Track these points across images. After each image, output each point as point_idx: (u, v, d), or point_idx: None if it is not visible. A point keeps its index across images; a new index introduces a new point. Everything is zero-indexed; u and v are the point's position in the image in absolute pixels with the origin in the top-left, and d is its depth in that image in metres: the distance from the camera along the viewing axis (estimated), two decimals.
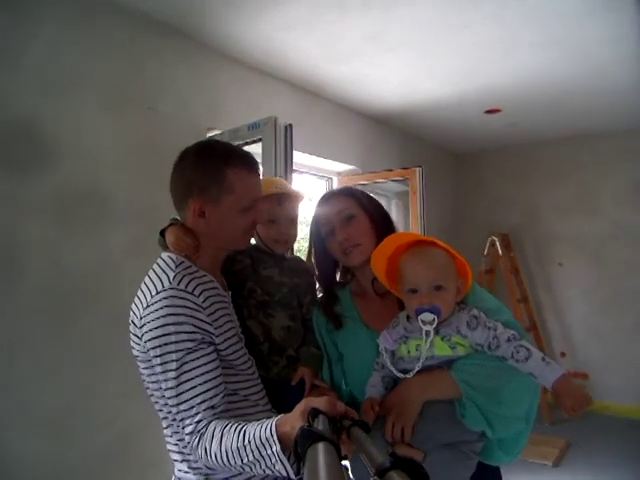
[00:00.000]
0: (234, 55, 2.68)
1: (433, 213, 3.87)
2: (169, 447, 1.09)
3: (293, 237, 1.34)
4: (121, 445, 2.06)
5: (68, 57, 1.98)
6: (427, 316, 1.02)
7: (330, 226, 1.25)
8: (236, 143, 2.19)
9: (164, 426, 1.09)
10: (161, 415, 1.08)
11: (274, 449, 0.83)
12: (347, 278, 1.36)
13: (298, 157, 3.22)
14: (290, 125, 2.26)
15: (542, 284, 4.92)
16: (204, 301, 1.02)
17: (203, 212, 1.09)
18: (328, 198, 1.31)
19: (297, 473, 0.81)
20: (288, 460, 0.83)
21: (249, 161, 1.13)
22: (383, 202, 1.40)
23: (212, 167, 1.09)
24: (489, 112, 3.86)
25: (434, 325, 1.02)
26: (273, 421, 0.86)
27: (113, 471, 2.03)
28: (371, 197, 1.34)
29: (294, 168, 3.31)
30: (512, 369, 1.02)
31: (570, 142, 4.66)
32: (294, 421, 0.81)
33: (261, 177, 1.18)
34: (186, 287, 1.00)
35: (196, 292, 1.01)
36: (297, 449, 0.64)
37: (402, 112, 3.83)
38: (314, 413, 0.77)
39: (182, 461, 1.06)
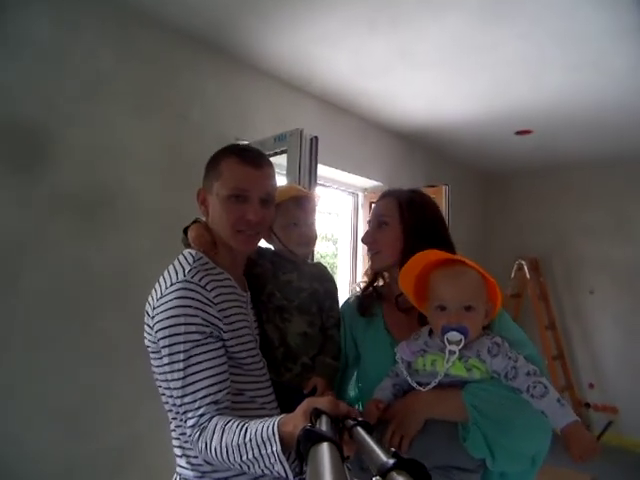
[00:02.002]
0: (264, 68, 2.75)
1: (459, 233, 3.78)
2: (173, 442, 1.10)
3: (314, 239, 1.34)
4: (134, 445, 2.08)
5: (105, 63, 2.08)
6: (454, 336, 1.01)
7: (369, 226, 1.31)
8: (265, 152, 2.23)
9: (170, 420, 1.10)
10: (166, 407, 1.09)
11: (274, 448, 0.82)
12: (377, 277, 1.36)
13: (324, 171, 3.25)
14: (315, 137, 2.29)
15: (571, 311, 4.76)
16: (216, 297, 1.03)
17: (204, 199, 1.16)
18: (381, 197, 1.33)
19: (299, 473, 0.80)
20: (288, 461, 0.82)
21: (246, 154, 1.13)
22: None
23: (214, 158, 1.16)
24: (520, 133, 3.81)
25: (460, 346, 1.00)
26: (275, 420, 0.85)
27: (125, 469, 2.05)
28: (421, 207, 1.26)
29: (319, 182, 3.35)
30: (525, 403, 0.99)
31: (603, 166, 4.54)
32: (296, 421, 0.81)
33: (262, 174, 1.14)
34: (199, 281, 1.02)
35: (208, 287, 1.03)
36: (299, 449, 0.64)
37: (430, 129, 3.82)
38: (316, 413, 0.77)
39: (182, 456, 1.06)
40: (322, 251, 4.37)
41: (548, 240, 4.87)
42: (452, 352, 1.01)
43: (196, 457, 1.02)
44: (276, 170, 1.25)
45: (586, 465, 3.71)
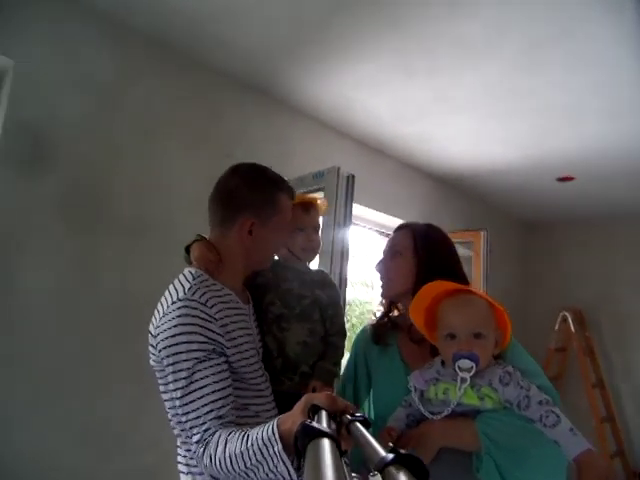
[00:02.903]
0: (305, 110, 2.90)
1: (498, 281, 3.74)
2: (178, 459, 1.10)
3: (318, 244, 1.36)
4: (162, 467, 2.08)
5: (160, 105, 2.27)
6: (465, 363, 1.01)
7: (383, 256, 1.34)
8: (300, 190, 2.32)
9: (176, 435, 1.11)
10: (172, 425, 1.10)
11: (276, 449, 0.83)
12: (392, 308, 1.37)
13: (360, 211, 3.31)
14: (352, 175, 2.36)
15: (621, 369, 4.47)
16: (217, 312, 1.04)
17: (251, 230, 1.15)
18: (397, 228, 1.40)
19: (297, 469, 0.81)
20: (291, 462, 0.82)
21: (291, 189, 1.25)
22: None
23: (268, 189, 1.18)
24: (562, 180, 3.77)
25: (472, 373, 1.00)
26: (274, 421, 0.86)
27: None
28: (435, 239, 1.31)
29: (355, 222, 3.41)
30: (539, 433, 0.97)
31: None
32: (295, 417, 0.81)
33: None
34: (200, 298, 1.03)
35: (209, 304, 1.04)
36: (297, 445, 0.64)
37: (469, 175, 3.85)
38: (314, 409, 0.77)
39: (187, 473, 1.07)
40: (360, 297, 4.28)
41: (594, 292, 4.66)
42: (464, 380, 1.00)
43: (201, 474, 1.02)
44: None
45: None
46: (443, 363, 1.10)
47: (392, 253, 1.30)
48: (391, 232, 4.03)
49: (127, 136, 2.16)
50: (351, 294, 3.88)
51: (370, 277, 4.17)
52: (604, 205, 4.35)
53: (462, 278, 1.25)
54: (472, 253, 3.61)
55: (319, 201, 1.39)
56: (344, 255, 2.26)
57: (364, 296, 4.29)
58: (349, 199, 2.38)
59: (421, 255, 1.26)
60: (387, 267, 1.29)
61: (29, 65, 1.87)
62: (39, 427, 1.81)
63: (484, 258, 3.55)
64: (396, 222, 3.68)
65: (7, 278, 1.80)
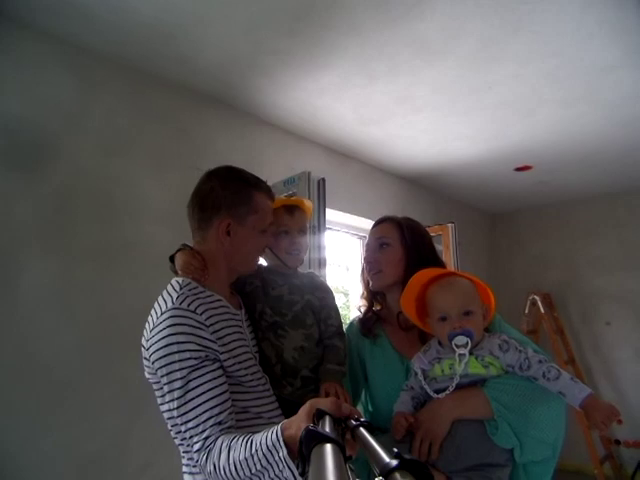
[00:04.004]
0: (270, 120, 2.91)
1: (469, 271, 3.84)
2: (183, 469, 1.09)
3: (305, 248, 1.34)
4: None
5: (122, 121, 2.23)
6: (460, 339, 1.06)
7: (369, 248, 1.35)
8: None
9: (177, 445, 1.09)
10: (172, 435, 1.09)
11: (281, 454, 0.82)
12: (377, 300, 1.40)
13: (332, 215, 3.34)
14: (323, 179, 2.39)
15: (590, 345, 4.68)
16: (207, 319, 1.04)
17: (229, 231, 1.15)
18: (378, 222, 1.40)
19: (302, 474, 0.81)
20: (296, 466, 0.82)
21: (269, 189, 1.24)
22: None
23: (242, 188, 1.18)
24: (519, 169, 3.92)
25: (468, 348, 1.06)
26: (278, 426, 0.86)
27: None
28: (417, 230, 1.37)
29: (329, 226, 3.44)
30: (543, 391, 1.03)
31: (606, 198, 4.62)
32: (299, 422, 0.81)
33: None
34: (188, 306, 1.03)
35: (199, 311, 1.03)
36: (302, 450, 0.64)
37: (433, 172, 3.94)
38: (319, 414, 0.77)
39: None
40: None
41: (559, 275, 4.87)
42: (462, 355, 1.06)
43: None
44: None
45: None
46: (440, 343, 1.14)
47: (379, 245, 1.32)
48: (362, 233, 4.03)
49: (91, 157, 2.10)
50: None
51: (345, 284, 4.22)
52: (560, 191, 4.55)
53: (442, 264, 1.33)
54: (442, 247, 3.71)
55: (306, 203, 1.37)
56: (322, 262, 2.27)
57: (339, 303, 4.31)
58: (322, 203, 2.40)
59: (409, 245, 1.30)
60: (377, 259, 1.30)
61: None
62: (29, 459, 1.75)
63: (453, 250, 3.65)
64: (365, 223, 3.74)
65: None
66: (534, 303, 4.58)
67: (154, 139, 2.35)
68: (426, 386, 1.09)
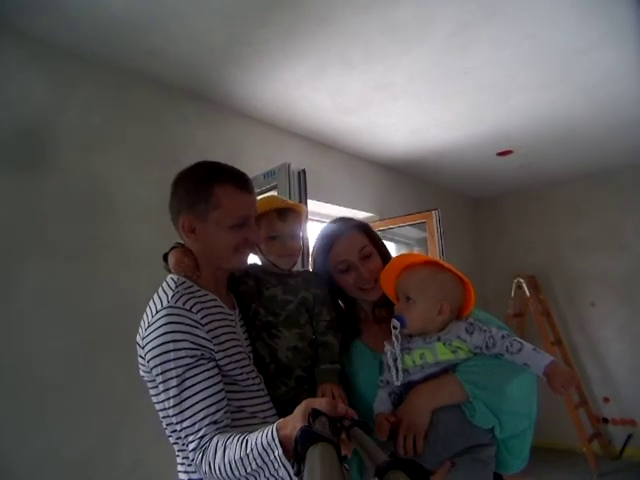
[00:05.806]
0: (249, 113, 2.89)
1: (454, 257, 3.86)
2: (178, 467, 1.09)
3: (297, 251, 1.31)
4: None
5: (100, 119, 2.19)
6: (394, 321, 1.11)
7: (348, 263, 1.26)
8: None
9: (172, 444, 1.09)
10: (167, 433, 1.08)
11: (276, 453, 0.82)
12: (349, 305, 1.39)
13: (314, 206, 3.32)
14: (303, 170, 2.37)
15: (575, 326, 4.75)
16: (202, 318, 1.03)
17: (193, 229, 1.12)
18: (344, 233, 1.30)
19: (297, 473, 0.81)
20: (292, 466, 0.81)
21: (239, 179, 1.15)
22: (405, 249, 1.45)
23: (200, 183, 1.12)
24: (501, 154, 3.94)
25: (397, 331, 1.09)
26: (274, 425, 0.85)
27: None
28: (372, 229, 1.39)
29: (312, 217, 3.42)
30: (511, 367, 1.05)
31: (587, 180, 4.67)
32: (295, 422, 0.81)
33: (254, 196, 1.18)
34: (184, 305, 1.02)
35: (194, 309, 1.03)
36: (297, 449, 0.64)
37: (415, 158, 3.95)
38: (314, 414, 0.77)
39: None
40: None
41: (543, 257, 4.92)
42: (396, 336, 1.09)
43: None
44: None
45: (607, 479, 3.61)
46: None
47: (362, 257, 1.28)
48: None
49: (70, 156, 2.07)
50: None
51: None
52: (542, 174, 4.58)
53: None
54: (427, 234, 3.71)
55: (299, 206, 1.33)
56: (305, 256, 2.25)
57: None
58: (303, 194, 2.38)
59: (379, 246, 1.34)
60: (370, 270, 1.26)
61: None
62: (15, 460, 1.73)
63: (438, 237, 3.66)
64: (348, 213, 3.74)
65: None
66: (520, 286, 4.62)
67: (133, 136, 2.32)
68: (399, 371, 1.08)
